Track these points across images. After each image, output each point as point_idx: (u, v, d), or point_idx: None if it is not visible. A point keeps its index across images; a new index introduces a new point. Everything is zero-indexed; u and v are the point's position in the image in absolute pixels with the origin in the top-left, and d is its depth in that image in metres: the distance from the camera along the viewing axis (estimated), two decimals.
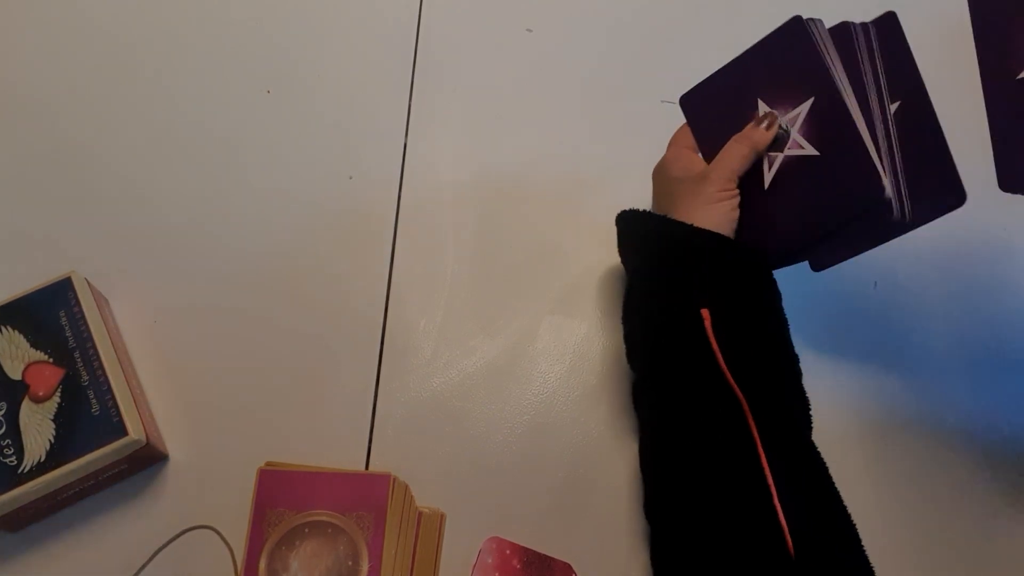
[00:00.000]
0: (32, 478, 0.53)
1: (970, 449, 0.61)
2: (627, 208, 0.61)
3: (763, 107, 0.58)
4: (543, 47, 0.78)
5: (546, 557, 0.57)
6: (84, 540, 0.57)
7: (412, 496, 0.56)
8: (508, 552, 0.57)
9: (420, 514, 0.56)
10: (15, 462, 0.54)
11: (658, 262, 0.56)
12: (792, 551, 0.45)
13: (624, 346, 0.59)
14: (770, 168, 0.57)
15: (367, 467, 0.61)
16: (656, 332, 0.55)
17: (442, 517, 0.58)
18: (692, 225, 0.55)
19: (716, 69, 0.60)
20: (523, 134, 0.74)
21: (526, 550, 0.58)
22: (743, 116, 0.58)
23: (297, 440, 0.61)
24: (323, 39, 0.77)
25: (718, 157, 0.57)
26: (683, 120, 0.62)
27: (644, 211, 0.59)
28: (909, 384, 0.64)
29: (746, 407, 0.49)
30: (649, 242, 0.58)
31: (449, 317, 0.66)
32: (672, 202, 0.58)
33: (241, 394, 0.62)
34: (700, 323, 0.52)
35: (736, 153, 0.57)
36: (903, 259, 0.67)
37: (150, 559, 0.56)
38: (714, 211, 0.56)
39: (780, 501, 0.46)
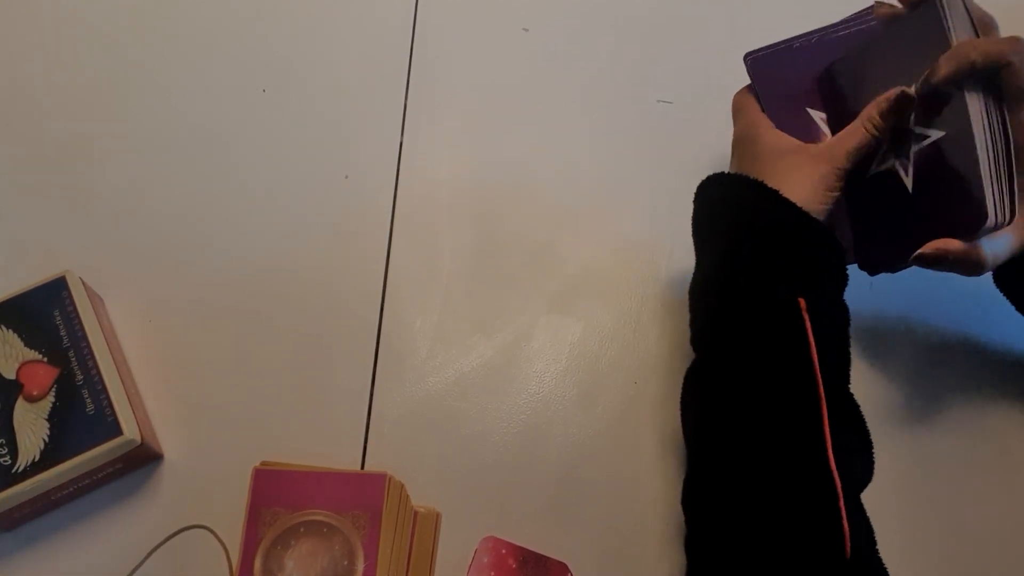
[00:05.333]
0: (26, 478, 0.53)
1: (967, 449, 0.62)
2: (715, 172, 0.57)
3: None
4: (540, 47, 0.78)
5: (542, 557, 0.57)
6: (78, 540, 0.57)
7: (408, 495, 0.56)
8: (504, 552, 0.57)
9: (416, 513, 0.56)
10: (9, 461, 0.54)
11: (756, 240, 0.53)
12: (848, 552, 0.45)
13: (690, 324, 0.56)
14: (907, 173, 0.53)
15: (363, 466, 0.61)
16: (741, 313, 0.52)
17: (438, 516, 0.58)
18: (802, 209, 0.51)
19: (793, 35, 0.58)
20: (519, 134, 0.74)
21: (522, 550, 0.58)
22: (827, 97, 0.56)
23: (292, 439, 0.61)
24: (319, 38, 0.77)
25: (841, 136, 0.53)
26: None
27: (752, 179, 0.54)
28: (905, 385, 0.64)
29: (824, 405, 0.48)
30: (751, 216, 0.53)
31: (445, 317, 0.66)
32: (771, 175, 0.53)
33: (236, 393, 0.62)
34: (797, 311, 0.49)
35: (861, 138, 0.53)
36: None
37: (145, 559, 0.56)
38: (825, 197, 0.52)
39: (844, 503, 0.45)
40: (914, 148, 0.53)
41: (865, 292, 0.67)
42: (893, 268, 0.56)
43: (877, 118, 0.53)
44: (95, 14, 0.78)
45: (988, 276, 0.67)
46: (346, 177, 0.71)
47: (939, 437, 0.62)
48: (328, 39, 0.77)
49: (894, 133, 0.54)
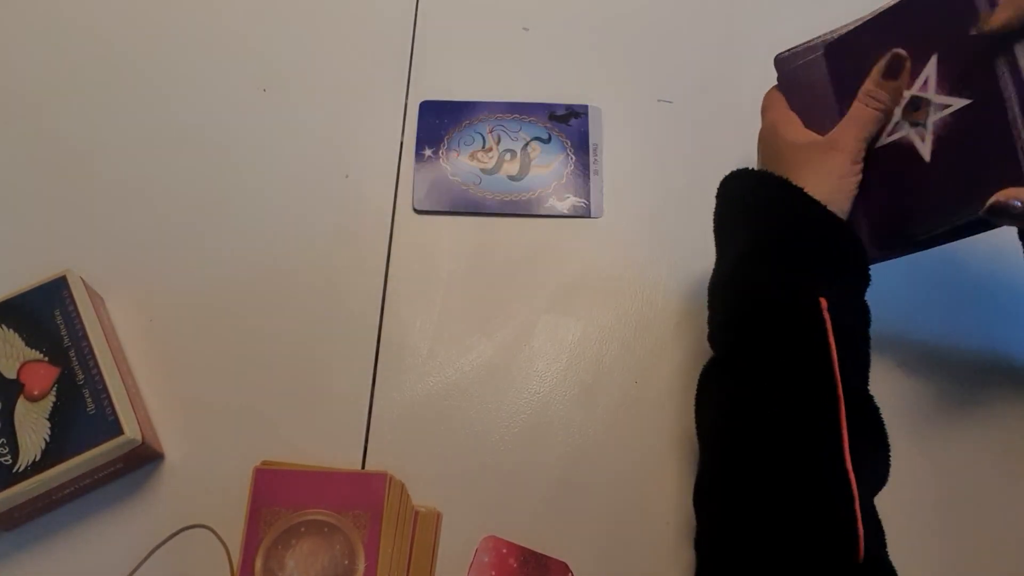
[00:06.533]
0: (27, 477, 0.53)
1: (964, 448, 0.62)
2: (739, 168, 0.56)
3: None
4: (540, 46, 0.78)
5: (542, 556, 0.57)
6: (79, 539, 0.57)
7: (408, 495, 0.56)
8: (504, 551, 0.57)
9: (416, 513, 0.56)
10: (10, 461, 0.54)
11: (778, 238, 0.52)
12: (861, 555, 0.44)
13: (708, 320, 0.55)
14: (923, 140, 0.51)
15: (363, 466, 0.61)
16: (762, 310, 0.51)
17: (438, 516, 0.58)
18: (825, 207, 0.51)
19: (814, 36, 0.56)
20: None
21: (522, 549, 0.58)
22: (849, 85, 0.54)
23: (293, 439, 0.61)
24: (319, 37, 0.77)
25: (844, 122, 0.53)
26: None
27: (776, 176, 0.53)
28: (904, 384, 0.64)
29: (842, 407, 0.47)
30: (773, 213, 0.53)
31: (445, 316, 0.66)
32: (791, 171, 0.53)
33: (237, 393, 0.62)
34: (817, 311, 0.48)
35: (865, 116, 0.52)
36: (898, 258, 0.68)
37: (145, 558, 0.56)
38: (843, 185, 0.52)
39: (860, 506, 0.45)
40: (933, 118, 0.51)
41: (870, 292, 0.66)
42: (903, 249, 0.55)
43: (875, 89, 0.52)
44: (94, 15, 0.78)
45: (994, 272, 0.66)
46: (346, 177, 0.71)
47: (948, 437, 0.62)
48: (328, 39, 0.77)
49: (909, 102, 0.52)
